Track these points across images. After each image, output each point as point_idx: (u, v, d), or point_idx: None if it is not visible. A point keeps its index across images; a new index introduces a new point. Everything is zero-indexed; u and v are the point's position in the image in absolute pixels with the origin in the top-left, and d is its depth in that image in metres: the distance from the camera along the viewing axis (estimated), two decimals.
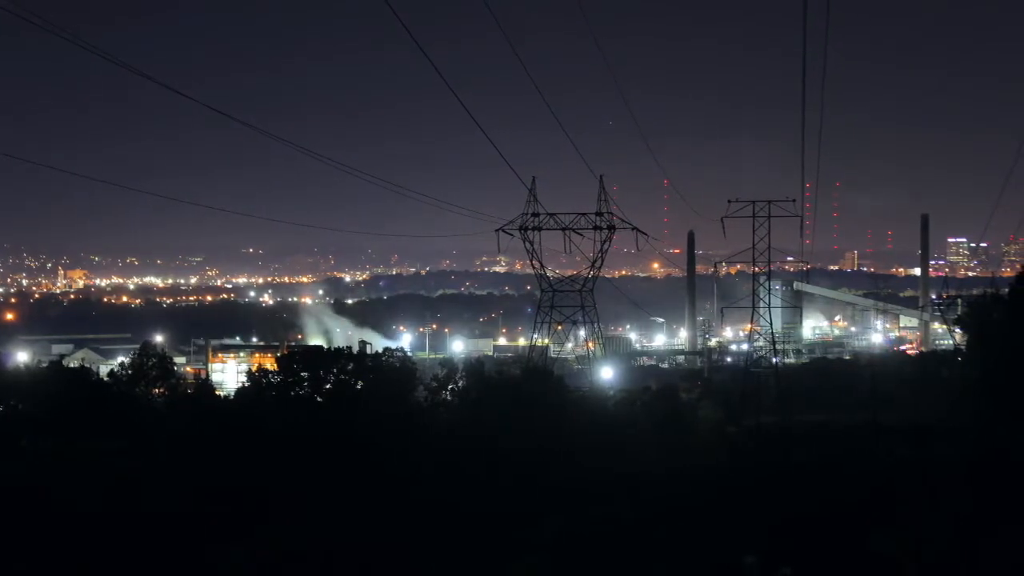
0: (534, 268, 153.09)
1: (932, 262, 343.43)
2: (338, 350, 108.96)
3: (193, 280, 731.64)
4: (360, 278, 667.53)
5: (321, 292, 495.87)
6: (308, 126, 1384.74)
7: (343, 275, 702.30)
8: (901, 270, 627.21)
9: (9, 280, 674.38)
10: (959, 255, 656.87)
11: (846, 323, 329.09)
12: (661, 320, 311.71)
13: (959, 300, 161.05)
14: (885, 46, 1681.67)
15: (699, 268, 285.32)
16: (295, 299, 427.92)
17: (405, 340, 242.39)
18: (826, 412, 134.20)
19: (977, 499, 70.55)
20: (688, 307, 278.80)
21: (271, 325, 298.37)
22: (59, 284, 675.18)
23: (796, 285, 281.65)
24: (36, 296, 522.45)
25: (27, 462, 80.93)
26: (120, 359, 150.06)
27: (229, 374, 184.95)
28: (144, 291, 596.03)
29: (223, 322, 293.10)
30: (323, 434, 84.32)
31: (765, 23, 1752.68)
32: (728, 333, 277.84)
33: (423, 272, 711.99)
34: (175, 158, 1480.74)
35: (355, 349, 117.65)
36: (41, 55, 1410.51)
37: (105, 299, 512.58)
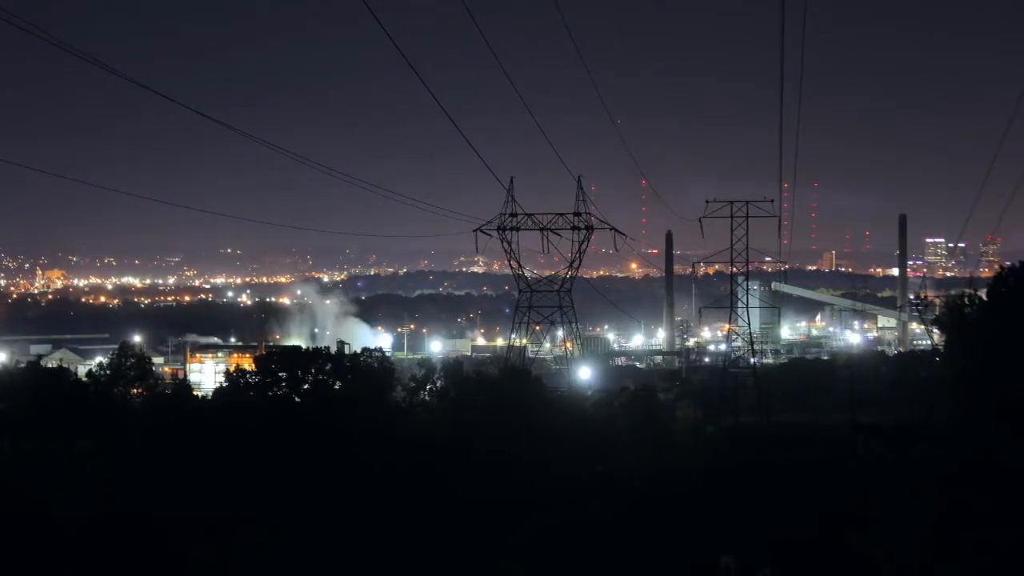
0: (512, 268, 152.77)
1: (910, 262, 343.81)
2: (316, 350, 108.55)
3: (171, 280, 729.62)
4: (338, 278, 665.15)
5: (299, 292, 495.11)
6: (286, 126, 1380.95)
7: (321, 275, 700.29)
8: (879, 270, 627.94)
9: None
10: (937, 255, 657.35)
11: (824, 323, 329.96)
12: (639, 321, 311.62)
13: (937, 300, 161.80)
14: (866, 45, 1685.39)
15: (677, 268, 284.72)
16: (273, 299, 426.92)
17: (384, 340, 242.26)
18: (804, 412, 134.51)
19: (955, 500, 70.81)
20: (666, 307, 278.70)
21: (249, 325, 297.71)
22: (37, 284, 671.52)
23: (774, 285, 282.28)
24: (14, 296, 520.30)
25: (5, 462, 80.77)
26: (98, 359, 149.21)
27: (207, 374, 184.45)
28: (122, 291, 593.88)
29: (201, 322, 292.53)
30: (300, 434, 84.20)
31: (745, 23, 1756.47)
32: (706, 333, 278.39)
33: (401, 272, 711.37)
34: (154, 158, 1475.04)
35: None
36: (18, 53, 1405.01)
37: (83, 299, 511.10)
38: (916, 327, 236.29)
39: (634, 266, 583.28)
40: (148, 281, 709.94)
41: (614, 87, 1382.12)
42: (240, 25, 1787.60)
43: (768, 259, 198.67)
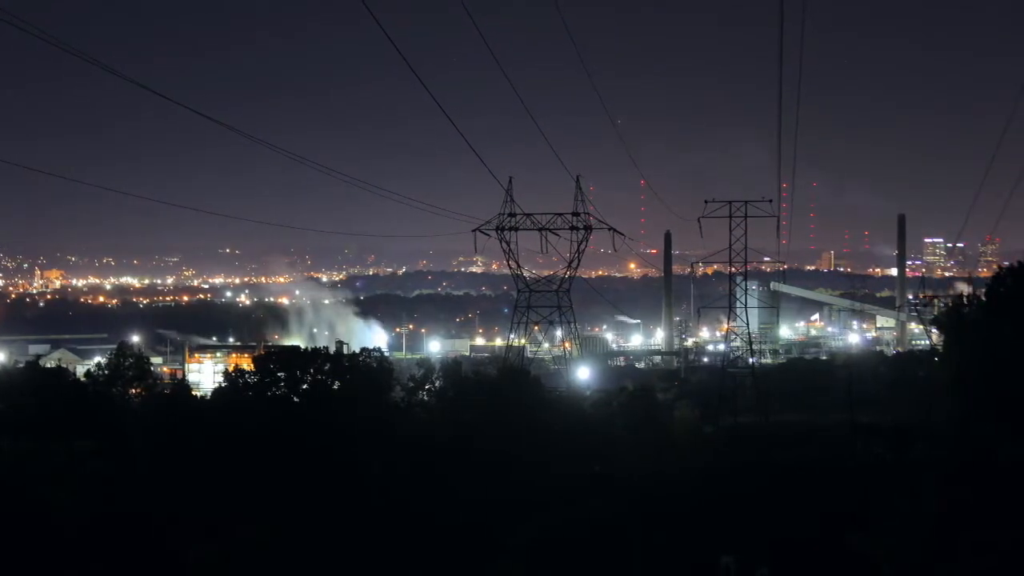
0: (511, 268, 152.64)
1: (909, 262, 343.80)
2: (315, 350, 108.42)
3: (170, 280, 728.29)
4: (337, 278, 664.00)
5: (298, 292, 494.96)
6: (286, 126, 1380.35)
7: (320, 275, 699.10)
8: (878, 270, 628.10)
9: None
10: (936, 255, 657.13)
11: (823, 323, 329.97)
12: (636, 321, 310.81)
13: (935, 300, 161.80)
14: (866, 45, 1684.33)
15: (676, 268, 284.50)
16: (272, 299, 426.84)
17: (382, 340, 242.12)
18: (803, 412, 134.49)
19: (954, 500, 70.82)
20: (665, 307, 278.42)
21: (247, 325, 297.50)
22: (36, 284, 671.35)
23: (773, 285, 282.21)
24: (13, 296, 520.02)
25: (5, 462, 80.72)
26: (97, 359, 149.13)
27: (206, 374, 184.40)
28: (121, 291, 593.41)
29: (200, 322, 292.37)
30: (300, 434, 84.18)
31: (745, 24, 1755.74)
32: (705, 333, 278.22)
33: (400, 272, 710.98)
34: (153, 158, 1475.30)
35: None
36: (18, 53, 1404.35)
37: (82, 299, 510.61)
38: (915, 327, 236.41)
39: (633, 266, 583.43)
40: (147, 281, 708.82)
41: (614, 88, 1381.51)
42: (240, 25, 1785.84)
43: (767, 259, 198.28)
